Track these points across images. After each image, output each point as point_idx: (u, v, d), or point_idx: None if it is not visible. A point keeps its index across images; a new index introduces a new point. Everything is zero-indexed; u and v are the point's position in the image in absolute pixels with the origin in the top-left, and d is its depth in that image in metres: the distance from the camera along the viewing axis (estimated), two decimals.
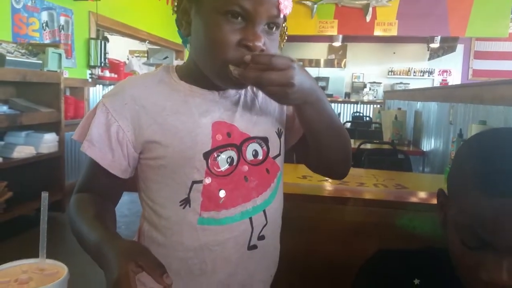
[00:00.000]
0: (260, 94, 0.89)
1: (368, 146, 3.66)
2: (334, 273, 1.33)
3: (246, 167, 0.83)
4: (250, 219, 0.84)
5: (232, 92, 0.86)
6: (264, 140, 0.86)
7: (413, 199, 1.51)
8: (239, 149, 0.83)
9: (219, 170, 0.81)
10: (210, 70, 0.79)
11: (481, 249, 0.67)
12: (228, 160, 0.82)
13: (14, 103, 3.61)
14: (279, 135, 0.90)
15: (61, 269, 0.72)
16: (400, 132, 4.19)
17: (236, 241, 0.83)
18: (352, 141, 4.40)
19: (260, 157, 0.86)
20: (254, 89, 0.89)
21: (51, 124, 3.81)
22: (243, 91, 0.88)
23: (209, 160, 0.81)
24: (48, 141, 3.77)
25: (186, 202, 0.81)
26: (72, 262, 0.73)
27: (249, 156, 0.84)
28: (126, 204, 4.05)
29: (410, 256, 0.88)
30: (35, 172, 3.69)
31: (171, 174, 0.81)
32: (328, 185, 1.66)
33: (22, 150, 3.51)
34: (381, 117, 4.86)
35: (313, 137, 0.87)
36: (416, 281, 0.81)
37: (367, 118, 7.59)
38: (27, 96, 3.78)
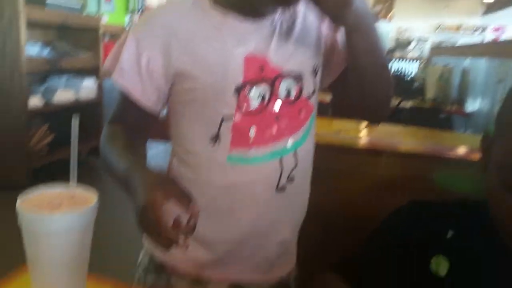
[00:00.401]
0: (298, 25, 0.84)
1: (409, 103, 3.52)
2: (363, 227, 1.30)
3: (278, 106, 0.80)
4: (280, 160, 0.81)
5: (268, 21, 0.81)
6: (298, 78, 0.82)
7: (451, 154, 1.44)
8: (272, 85, 0.79)
9: (249, 106, 0.78)
10: None
11: None
12: (260, 97, 0.79)
13: (56, 46, 3.68)
14: (315, 72, 0.85)
15: (91, 197, 0.73)
16: (444, 91, 3.99)
17: (265, 181, 0.81)
18: None
19: (293, 96, 0.82)
20: (292, 18, 0.83)
21: (90, 69, 3.87)
22: (279, 21, 0.82)
23: (240, 95, 0.78)
24: (87, 86, 3.85)
25: (215, 138, 0.79)
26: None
27: (281, 93, 0.80)
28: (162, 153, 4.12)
29: (443, 208, 0.83)
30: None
31: (200, 108, 0.79)
32: (362, 138, 1.61)
33: (62, 94, 3.60)
34: (425, 74, 4.63)
35: (358, 72, 0.81)
36: (449, 234, 0.77)
37: (410, 76, 7.26)
38: (67, 40, 3.84)
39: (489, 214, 0.76)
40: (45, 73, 3.66)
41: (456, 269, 0.74)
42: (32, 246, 0.67)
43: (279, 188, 0.82)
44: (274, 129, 0.80)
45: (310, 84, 0.84)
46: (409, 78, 5.22)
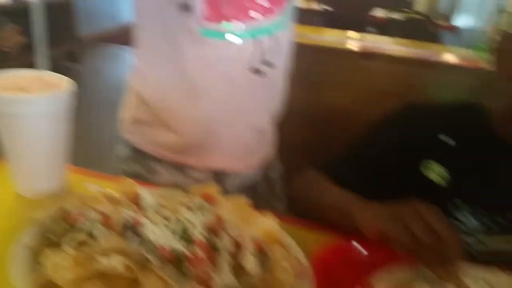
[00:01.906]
0: None
1: (396, 15, 3.39)
2: (349, 128, 1.27)
3: None
4: (257, 40, 0.77)
5: None
6: None
7: (443, 61, 1.40)
8: None
9: None
10: None
11: None
12: None
13: None
14: None
15: (63, 82, 0.66)
16: (433, 5, 3.85)
17: (240, 60, 0.77)
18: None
19: None
20: None
21: None
22: None
23: None
24: None
25: (185, 7, 0.72)
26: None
27: None
28: None
29: (441, 111, 0.80)
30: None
31: None
32: (355, 41, 1.54)
33: None
34: None
35: None
36: (444, 138, 0.75)
37: None
38: None
39: (486, 114, 0.75)
40: None
41: (448, 172, 0.73)
42: (5, 130, 0.63)
43: (255, 70, 0.79)
44: (249, 4, 0.74)
45: None
46: None
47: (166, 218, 0.49)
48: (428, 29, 3.22)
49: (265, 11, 0.76)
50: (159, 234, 0.45)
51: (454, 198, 0.71)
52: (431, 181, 0.73)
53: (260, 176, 0.90)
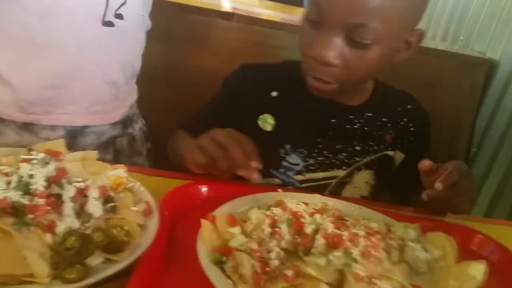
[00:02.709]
0: None
1: None
2: (213, 87, 1.33)
3: None
4: None
5: None
6: None
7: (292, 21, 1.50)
8: None
9: None
10: None
11: (316, 27, 0.71)
12: None
13: None
14: None
15: None
16: None
17: (89, 11, 0.76)
18: None
19: None
20: None
21: None
22: None
23: None
24: None
25: None
26: None
27: None
28: None
29: (270, 70, 0.91)
30: None
31: None
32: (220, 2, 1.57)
33: None
34: None
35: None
36: (274, 93, 0.85)
37: None
38: None
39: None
40: None
41: (280, 123, 0.83)
42: None
43: (106, 22, 0.78)
44: None
45: None
46: None
47: (6, 174, 0.49)
48: None
49: None
50: None
51: (284, 144, 0.83)
52: (267, 132, 0.83)
53: (119, 132, 0.91)
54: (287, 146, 0.83)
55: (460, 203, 0.71)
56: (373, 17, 0.67)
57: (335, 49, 0.70)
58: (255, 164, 0.64)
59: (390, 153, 0.88)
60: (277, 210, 0.57)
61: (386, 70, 0.79)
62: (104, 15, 0.77)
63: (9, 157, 0.55)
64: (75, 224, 0.46)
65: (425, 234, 0.61)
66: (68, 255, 0.43)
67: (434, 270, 0.56)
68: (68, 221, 0.46)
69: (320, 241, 0.51)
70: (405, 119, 0.89)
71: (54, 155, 0.54)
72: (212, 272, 0.48)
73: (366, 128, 0.85)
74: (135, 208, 0.53)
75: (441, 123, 1.13)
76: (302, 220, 0.55)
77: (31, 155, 0.53)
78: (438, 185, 0.63)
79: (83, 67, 0.79)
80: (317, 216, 0.56)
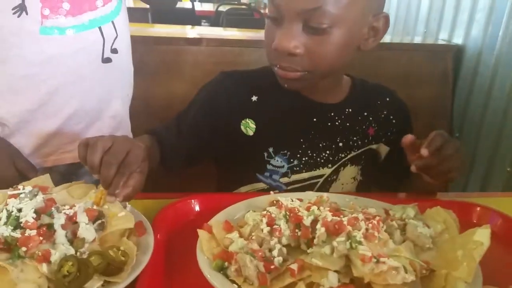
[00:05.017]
0: None
1: (227, 7, 3.61)
2: None
3: None
4: (100, 29, 0.78)
5: None
6: None
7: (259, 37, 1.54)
8: None
9: None
10: None
11: (277, 22, 0.73)
12: None
13: None
14: None
15: None
16: None
17: (88, 51, 0.78)
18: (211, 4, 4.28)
19: None
20: None
21: None
22: None
23: None
24: None
25: (20, 8, 0.69)
26: None
27: None
28: None
29: (249, 75, 0.91)
30: None
31: None
32: (179, 28, 1.60)
33: None
34: None
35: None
36: (254, 98, 0.85)
37: None
38: None
39: None
40: None
41: (261, 126, 0.83)
42: None
43: (105, 59, 0.80)
44: None
45: None
46: None
47: None
48: (253, 17, 3.49)
49: (104, 1, 0.78)
50: None
51: (267, 147, 0.83)
52: (249, 136, 0.83)
53: None
54: (270, 149, 0.83)
55: (449, 169, 0.70)
56: (326, 0, 0.69)
57: (295, 38, 0.71)
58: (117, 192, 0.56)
59: (374, 146, 0.89)
60: (273, 209, 0.56)
61: (357, 63, 0.80)
62: (103, 53, 0.79)
63: None
64: (70, 251, 0.45)
65: (424, 213, 0.60)
66: (66, 282, 0.41)
67: (440, 244, 0.56)
68: (62, 249, 0.44)
69: (321, 230, 0.50)
70: (385, 112, 0.89)
71: (41, 190, 0.54)
72: (216, 278, 0.47)
73: (347, 124, 0.85)
74: (122, 213, 0.52)
75: (420, 113, 1.15)
76: (300, 214, 0.54)
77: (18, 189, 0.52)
78: (424, 151, 0.63)
79: (87, 105, 0.81)
80: (314, 208, 0.55)
